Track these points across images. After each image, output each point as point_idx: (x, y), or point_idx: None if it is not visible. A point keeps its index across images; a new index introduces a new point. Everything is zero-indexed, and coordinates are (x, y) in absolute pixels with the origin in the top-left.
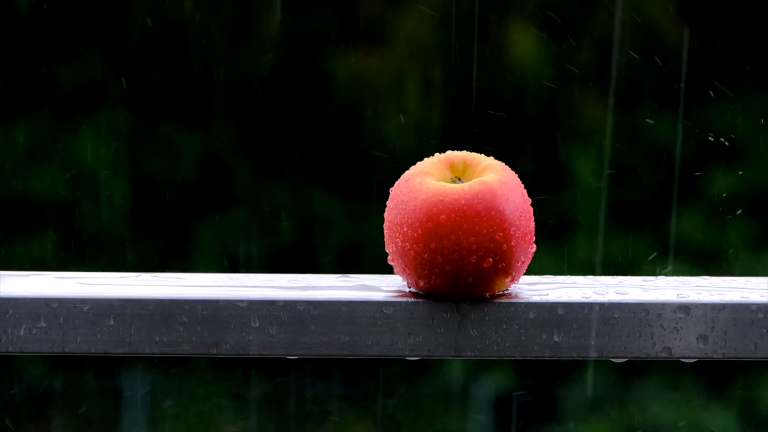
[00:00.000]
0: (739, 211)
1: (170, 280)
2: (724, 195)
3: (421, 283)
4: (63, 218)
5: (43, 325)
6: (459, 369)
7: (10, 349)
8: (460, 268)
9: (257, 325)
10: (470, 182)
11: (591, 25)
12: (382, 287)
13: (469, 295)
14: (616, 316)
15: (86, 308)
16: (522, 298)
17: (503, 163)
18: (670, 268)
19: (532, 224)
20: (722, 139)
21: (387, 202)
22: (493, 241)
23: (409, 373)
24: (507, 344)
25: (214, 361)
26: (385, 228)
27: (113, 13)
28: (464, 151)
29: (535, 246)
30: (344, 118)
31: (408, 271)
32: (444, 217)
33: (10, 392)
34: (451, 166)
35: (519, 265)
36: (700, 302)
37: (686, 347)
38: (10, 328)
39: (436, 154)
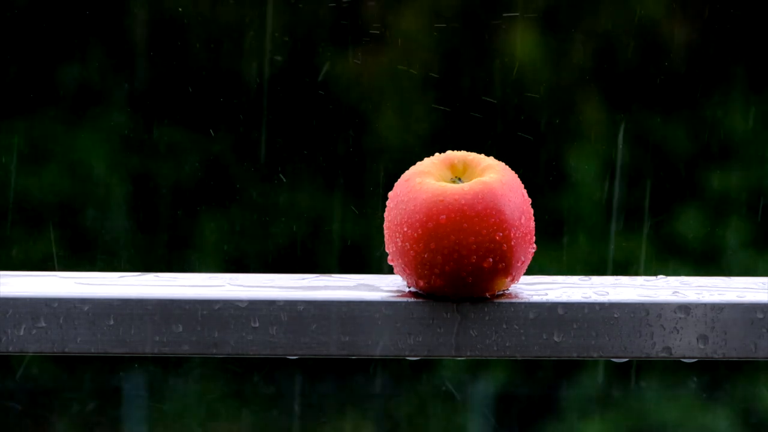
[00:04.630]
0: (738, 211)
1: (170, 280)
2: (723, 195)
3: (421, 283)
4: (63, 218)
5: (43, 325)
6: (459, 368)
7: (10, 349)
8: (460, 268)
9: (257, 325)
10: (470, 182)
11: (591, 25)
12: (382, 287)
13: (469, 295)
14: (616, 316)
15: (86, 308)
16: (522, 298)
17: (503, 163)
18: (669, 268)
19: (533, 224)
20: (722, 139)
21: (387, 202)
22: (493, 241)
23: (409, 372)
24: (507, 344)
25: (213, 361)
26: (385, 228)
27: (114, 14)
28: (464, 151)
29: (535, 246)
30: (344, 118)
31: (408, 271)
32: (444, 217)
33: (10, 392)
34: (451, 166)
35: (519, 265)
36: (700, 302)
37: (686, 347)
38: (10, 328)
39: (436, 154)
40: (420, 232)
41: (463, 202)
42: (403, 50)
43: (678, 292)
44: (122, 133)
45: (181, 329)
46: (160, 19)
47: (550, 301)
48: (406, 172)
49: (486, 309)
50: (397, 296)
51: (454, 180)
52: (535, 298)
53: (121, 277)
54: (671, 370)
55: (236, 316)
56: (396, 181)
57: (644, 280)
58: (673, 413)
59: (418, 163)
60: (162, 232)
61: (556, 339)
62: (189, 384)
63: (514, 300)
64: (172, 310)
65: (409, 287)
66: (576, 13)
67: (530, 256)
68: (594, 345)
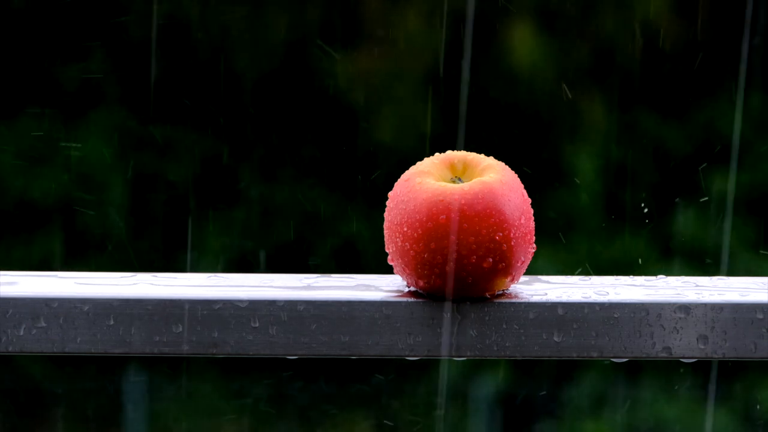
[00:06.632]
0: (739, 212)
1: (170, 280)
2: (723, 195)
3: (421, 283)
4: (63, 218)
5: (43, 325)
6: (459, 368)
7: (10, 349)
8: (460, 268)
9: (257, 325)
10: (470, 182)
11: (591, 25)
12: (382, 287)
13: (469, 295)
14: (616, 316)
15: (86, 308)
16: (522, 298)
17: (503, 163)
18: (669, 268)
19: (532, 224)
20: (723, 139)
21: (387, 202)
22: (493, 241)
23: (409, 372)
24: (507, 344)
25: (213, 361)
26: (385, 228)
27: (114, 12)
28: (464, 151)
29: (535, 246)
30: (344, 117)
31: (408, 271)
32: (444, 217)
33: (11, 392)
34: (451, 166)
35: (519, 265)
36: (700, 302)
37: (686, 347)
38: (10, 328)
39: (436, 153)
40: (420, 232)
41: (463, 202)
42: (404, 50)
43: (678, 293)
44: (123, 132)
45: (181, 329)
46: (160, 18)
47: (550, 301)
48: (406, 172)
49: (486, 309)
50: (397, 296)
51: (454, 180)
52: (535, 298)
53: (121, 277)
54: (671, 370)
55: (236, 316)
56: (396, 181)
57: (644, 280)
58: (673, 413)
59: (418, 163)
60: (162, 231)
61: (556, 339)
62: (189, 384)
63: (514, 300)
64: (172, 310)
65: (409, 287)
66: (577, 13)
67: (530, 256)
68: (594, 345)
